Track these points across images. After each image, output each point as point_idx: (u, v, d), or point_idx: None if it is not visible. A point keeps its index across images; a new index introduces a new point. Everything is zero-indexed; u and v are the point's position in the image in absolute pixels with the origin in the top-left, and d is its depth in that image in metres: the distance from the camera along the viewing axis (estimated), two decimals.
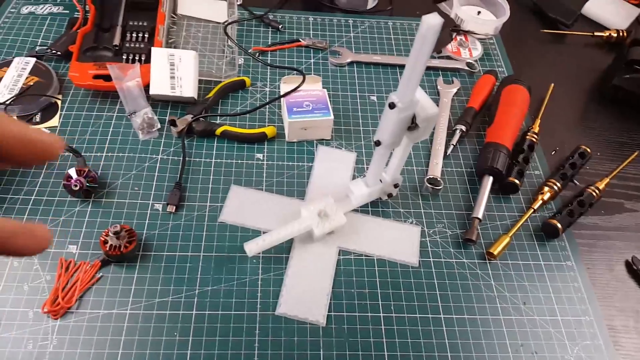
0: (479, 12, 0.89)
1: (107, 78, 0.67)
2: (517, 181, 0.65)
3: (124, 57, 0.71)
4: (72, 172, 0.57)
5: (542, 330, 0.56)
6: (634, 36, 0.84)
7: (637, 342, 0.57)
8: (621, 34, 0.90)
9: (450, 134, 0.72)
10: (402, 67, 0.80)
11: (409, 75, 0.44)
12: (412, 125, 0.50)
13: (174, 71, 0.68)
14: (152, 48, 0.68)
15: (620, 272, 0.63)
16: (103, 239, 0.53)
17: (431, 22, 0.39)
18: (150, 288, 0.54)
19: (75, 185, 0.57)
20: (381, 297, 0.56)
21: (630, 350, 0.56)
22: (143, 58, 0.71)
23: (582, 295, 0.59)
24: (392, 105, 0.47)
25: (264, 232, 0.58)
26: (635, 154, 0.74)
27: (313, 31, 0.85)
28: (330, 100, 0.74)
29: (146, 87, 0.68)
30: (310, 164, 0.67)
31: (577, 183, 0.69)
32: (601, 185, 0.67)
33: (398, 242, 0.61)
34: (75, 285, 0.52)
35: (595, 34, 0.90)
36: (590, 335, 0.56)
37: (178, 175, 0.62)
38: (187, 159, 0.64)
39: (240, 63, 0.77)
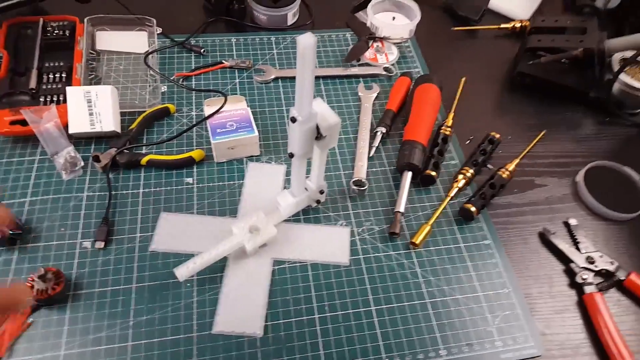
0: (393, 18, 0.91)
1: (25, 122, 0.66)
2: (433, 173, 0.67)
3: (42, 99, 0.70)
4: None
5: (465, 308, 0.58)
6: (532, 25, 0.88)
7: (551, 305, 0.61)
8: (524, 24, 0.94)
9: (372, 137, 0.74)
10: (324, 78, 0.82)
11: (301, 91, 0.45)
12: (318, 135, 0.52)
13: (92, 107, 0.67)
14: (67, 88, 0.68)
15: (534, 243, 0.66)
16: (29, 285, 0.52)
17: (306, 42, 0.40)
18: (84, 326, 0.53)
19: None
20: (316, 299, 0.58)
21: (545, 314, 0.60)
22: (62, 98, 0.70)
23: (500, 270, 0.62)
24: (293, 120, 0.48)
25: (196, 255, 0.58)
26: (542, 133, 0.78)
27: (236, 52, 0.85)
28: (257, 117, 0.75)
29: (66, 127, 0.67)
30: (242, 182, 0.68)
31: (491, 167, 0.72)
32: (511, 167, 0.70)
33: (329, 244, 0.62)
34: (4, 335, 0.50)
35: (502, 26, 0.94)
36: (509, 306, 0.59)
37: (105, 211, 0.61)
38: (113, 192, 0.64)
39: (163, 91, 0.77)
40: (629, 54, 0.80)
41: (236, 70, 0.82)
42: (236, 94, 0.78)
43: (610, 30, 0.85)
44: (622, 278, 0.62)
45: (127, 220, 0.62)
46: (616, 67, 0.79)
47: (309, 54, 0.41)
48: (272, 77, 0.81)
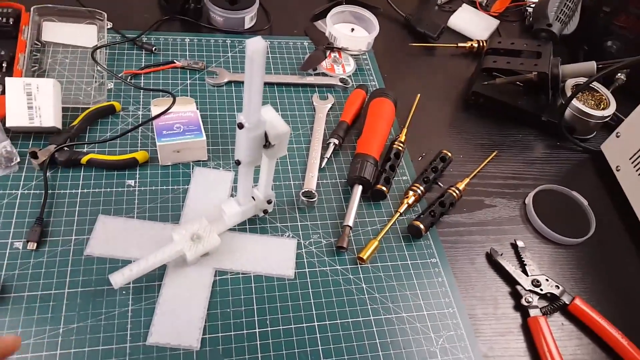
0: (352, 30, 0.95)
1: None
2: (384, 188, 0.70)
3: None
4: None
5: (409, 326, 0.61)
6: (489, 45, 0.93)
7: (495, 327, 0.64)
8: (482, 44, 1.00)
9: (324, 148, 0.76)
10: (279, 85, 0.84)
11: (249, 96, 0.47)
12: (267, 143, 0.53)
13: (32, 101, 0.67)
14: (6, 78, 0.67)
15: (481, 264, 0.70)
16: None
17: (256, 46, 0.42)
18: (10, 332, 0.52)
19: None
20: (257, 312, 0.59)
21: (489, 335, 0.63)
22: (0, 89, 0.69)
23: (446, 289, 0.65)
24: (240, 126, 0.50)
25: (133, 262, 0.58)
26: (493, 154, 0.82)
27: (189, 52, 0.86)
28: (207, 121, 0.76)
29: (3, 120, 0.66)
30: (187, 187, 0.68)
31: (442, 185, 0.76)
32: (461, 186, 0.74)
33: (274, 256, 0.64)
34: None
35: (459, 45, 1.00)
36: (454, 326, 0.62)
37: (40, 210, 0.61)
38: (50, 191, 0.63)
39: (109, 88, 0.77)
40: (582, 80, 0.87)
41: (188, 71, 0.83)
42: (187, 95, 0.79)
43: (565, 56, 0.91)
44: (567, 302, 0.66)
45: (63, 221, 0.61)
46: (569, 93, 0.85)
47: (257, 58, 0.43)
48: (225, 80, 0.83)
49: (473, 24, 1.04)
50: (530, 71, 0.87)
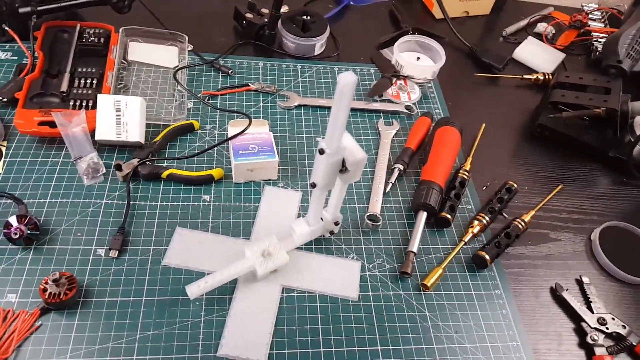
0: (418, 58, 0.94)
1: (53, 124, 0.68)
2: (449, 216, 0.69)
3: (71, 103, 0.73)
4: (13, 219, 0.58)
5: (472, 357, 0.59)
6: (556, 79, 0.91)
7: None
8: (547, 76, 0.97)
9: (389, 173, 0.75)
10: None
11: (333, 125, 0.47)
12: (343, 168, 0.53)
13: (120, 117, 0.69)
14: (98, 95, 0.70)
15: (545, 298, 0.67)
16: (42, 287, 0.53)
17: (347, 79, 0.42)
18: (91, 335, 0.54)
19: (15, 234, 0.57)
20: (322, 332, 0.58)
21: None
22: (90, 104, 0.73)
23: (510, 322, 0.63)
24: (321, 152, 0.50)
25: (207, 274, 0.59)
26: (559, 187, 0.79)
27: (262, 76, 0.88)
28: (277, 142, 0.77)
29: (92, 132, 0.69)
30: (257, 204, 0.69)
31: (506, 216, 0.74)
32: (527, 218, 0.72)
33: (339, 277, 0.63)
34: (12, 336, 0.51)
35: (524, 76, 0.98)
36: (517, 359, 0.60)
37: (122, 220, 0.63)
38: (132, 202, 0.65)
39: (189, 107, 0.80)
40: None
41: (261, 94, 0.85)
42: (259, 117, 0.81)
43: (634, 93, 0.87)
44: (634, 343, 0.62)
45: (143, 231, 0.63)
46: (638, 130, 0.82)
47: (347, 91, 0.43)
48: (296, 104, 0.84)
49: (538, 57, 1.02)
50: (599, 106, 0.83)
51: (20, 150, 0.69)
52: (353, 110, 0.85)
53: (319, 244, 0.67)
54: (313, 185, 0.56)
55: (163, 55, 0.86)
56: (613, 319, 0.64)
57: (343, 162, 0.53)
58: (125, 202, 0.65)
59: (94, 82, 0.76)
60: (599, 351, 0.61)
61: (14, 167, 0.67)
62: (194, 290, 0.56)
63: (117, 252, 0.60)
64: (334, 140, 0.49)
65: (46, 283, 0.53)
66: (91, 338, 0.54)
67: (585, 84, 0.88)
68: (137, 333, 0.55)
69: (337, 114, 0.46)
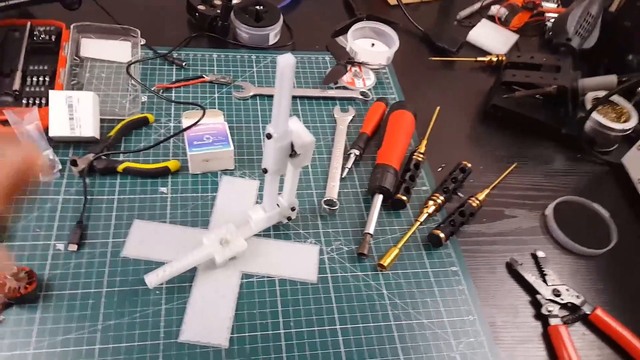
0: (372, 45, 0.99)
1: (6, 122, 0.70)
2: (404, 197, 0.74)
3: (25, 101, 0.75)
4: None
5: (429, 332, 0.64)
6: (508, 59, 0.97)
7: (515, 335, 0.66)
8: (501, 58, 1.03)
9: (345, 158, 0.80)
10: (301, 98, 0.89)
11: (278, 108, 0.51)
12: (292, 152, 0.58)
13: (73, 112, 0.72)
14: (50, 91, 0.73)
15: (501, 273, 0.72)
16: (1, 282, 0.56)
17: (286, 61, 0.46)
18: (53, 327, 0.57)
19: None
20: (282, 315, 0.63)
21: (509, 343, 0.65)
22: (44, 101, 0.75)
23: (466, 297, 0.68)
24: (269, 136, 0.54)
25: (166, 264, 0.62)
26: (513, 165, 0.85)
27: (217, 67, 0.92)
28: (233, 132, 0.81)
29: (47, 130, 0.72)
30: (215, 194, 0.73)
31: (462, 195, 0.79)
32: (481, 196, 0.77)
33: (298, 261, 0.68)
34: None
35: (478, 59, 1.03)
36: (474, 333, 0.65)
37: (80, 214, 0.66)
38: (89, 197, 0.69)
39: (144, 101, 0.83)
40: (602, 93, 0.89)
41: (216, 85, 0.88)
42: (215, 108, 0.84)
43: (584, 70, 0.94)
44: (588, 312, 0.68)
45: (101, 225, 0.67)
46: (588, 106, 0.88)
47: (287, 73, 0.48)
48: (251, 94, 0.88)
49: (492, 39, 1.08)
50: (550, 84, 0.89)
51: None
52: (309, 98, 0.89)
53: (277, 230, 0.71)
54: (265, 171, 0.60)
55: (116, 50, 0.89)
56: (567, 290, 0.69)
57: (292, 146, 0.57)
58: (83, 197, 0.68)
59: (47, 79, 0.79)
60: (553, 321, 0.66)
61: None
62: (153, 279, 0.60)
63: (76, 246, 0.63)
64: (281, 124, 0.53)
65: (5, 278, 0.56)
66: (54, 330, 0.57)
67: (537, 62, 0.93)
68: (99, 323, 0.58)
69: (280, 97, 0.50)
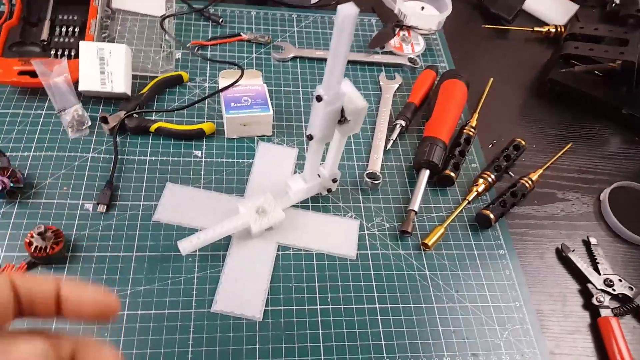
0: (422, 8, 0.94)
1: (34, 74, 0.68)
2: (452, 174, 0.70)
3: (53, 52, 0.72)
4: None
5: (473, 317, 0.61)
6: (569, 31, 0.91)
7: (563, 325, 0.63)
8: (559, 29, 0.97)
9: (390, 129, 0.76)
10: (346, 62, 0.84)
11: (332, 67, 0.47)
12: (342, 118, 0.54)
13: (104, 66, 0.69)
14: (80, 42, 0.70)
15: (551, 259, 0.69)
16: (28, 241, 0.55)
17: (347, 11, 0.42)
18: None
19: None
20: (319, 290, 0.60)
21: (556, 332, 0.62)
22: (73, 53, 0.73)
23: (513, 282, 0.65)
24: (319, 98, 0.51)
25: (200, 230, 0.60)
26: (568, 145, 0.80)
27: (256, 25, 0.88)
28: (272, 96, 0.77)
29: (76, 83, 0.69)
30: (251, 161, 0.70)
31: (513, 175, 0.75)
32: (534, 177, 0.73)
33: (337, 236, 0.65)
34: None
35: (535, 29, 0.97)
36: (520, 320, 0.62)
37: (109, 174, 0.64)
38: (119, 157, 0.66)
39: (178, 57, 0.80)
40: None
41: (254, 45, 0.85)
42: (252, 69, 0.81)
43: None
44: None
45: (132, 186, 0.64)
46: None
47: (348, 25, 0.43)
48: (291, 55, 0.83)
49: (550, 8, 1.01)
50: (614, 60, 0.83)
51: (0, 102, 0.69)
52: (353, 62, 0.85)
53: (316, 202, 0.68)
54: (310, 137, 0.56)
55: (149, 2, 0.85)
56: (620, 280, 0.66)
57: (342, 111, 0.53)
58: (113, 156, 0.66)
59: (76, 30, 0.76)
60: (604, 312, 0.63)
61: None
62: (186, 246, 0.57)
63: (105, 206, 0.61)
64: (333, 86, 0.49)
65: (32, 236, 0.54)
66: None
67: (601, 35, 0.87)
68: (128, 288, 0.56)
69: (336, 55, 0.46)
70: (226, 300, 0.57)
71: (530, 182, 0.72)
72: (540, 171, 0.74)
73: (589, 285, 0.66)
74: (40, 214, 0.60)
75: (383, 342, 0.57)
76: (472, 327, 0.60)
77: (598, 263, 0.68)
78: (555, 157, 0.78)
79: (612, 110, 0.85)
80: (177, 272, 0.58)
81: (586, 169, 0.80)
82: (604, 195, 0.75)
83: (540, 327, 0.62)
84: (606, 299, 0.65)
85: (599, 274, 0.67)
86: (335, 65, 0.47)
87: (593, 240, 0.70)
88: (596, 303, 0.64)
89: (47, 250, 0.55)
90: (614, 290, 0.65)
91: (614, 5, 1.03)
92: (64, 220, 0.60)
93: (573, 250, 0.69)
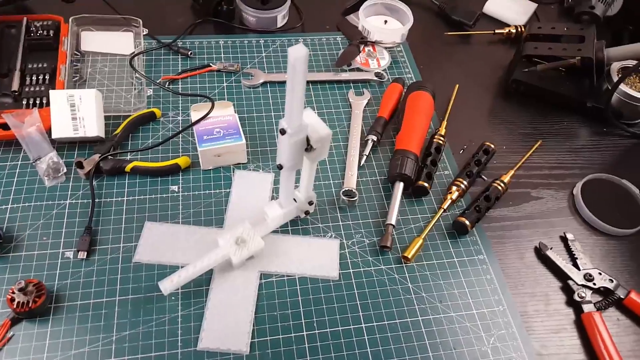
0: (385, 22, 0.92)
1: (6, 126, 0.66)
2: (426, 184, 0.68)
3: (24, 102, 0.70)
4: None
5: (459, 326, 0.59)
6: (528, 31, 0.89)
7: (548, 324, 0.61)
8: (520, 29, 0.96)
9: (363, 145, 0.74)
10: (313, 82, 0.83)
11: (291, 102, 0.46)
12: (308, 147, 0.52)
13: (76, 112, 0.67)
14: (50, 91, 0.68)
15: (530, 259, 0.67)
16: (10, 297, 0.52)
17: (298, 54, 0.41)
18: (65, 341, 0.53)
19: None
20: (304, 315, 0.58)
21: (542, 333, 0.60)
22: (45, 101, 0.70)
23: (495, 286, 0.63)
24: (282, 132, 0.49)
25: (181, 267, 0.58)
26: (538, 143, 0.79)
27: (224, 54, 0.86)
28: (244, 123, 0.75)
29: (49, 131, 0.67)
30: (228, 190, 0.68)
31: (485, 178, 0.74)
32: (506, 179, 0.71)
33: (318, 257, 0.63)
34: None
35: (496, 31, 0.96)
36: (505, 324, 0.60)
37: (88, 219, 0.62)
38: (97, 200, 0.64)
39: (149, 94, 0.77)
40: (628, 63, 0.82)
41: (224, 74, 0.83)
42: (224, 98, 0.79)
43: (608, 39, 0.86)
44: (622, 296, 0.63)
45: (111, 229, 0.62)
46: (615, 77, 0.81)
47: (300, 65, 0.42)
48: (261, 81, 0.82)
49: (510, 9, 1.00)
50: (574, 56, 0.82)
51: None
52: (321, 82, 0.83)
53: (295, 225, 0.66)
54: (280, 167, 0.54)
55: (118, 42, 0.83)
56: (600, 273, 0.64)
57: (307, 140, 0.52)
58: (90, 201, 0.63)
59: (47, 77, 0.74)
60: (587, 308, 0.62)
61: None
62: (167, 285, 0.55)
63: (85, 253, 0.59)
64: (294, 119, 0.48)
65: (13, 292, 0.52)
66: (66, 344, 0.53)
67: (559, 33, 0.86)
68: (113, 334, 0.54)
69: (292, 91, 0.44)
70: (212, 337, 0.55)
71: (502, 185, 0.70)
72: (512, 172, 0.73)
73: (570, 282, 0.64)
74: (21, 267, 0.58)
75: None
76: (459, 337, 0.58)
77: (577, 258, 0.66)
78: (526, 157, 0.77)
79: (576, 104, 0.84)
80: (161, 313, 0.56)
81: (557, 164, 0.78)
82: (577, 190, 0.74)
83: (526, 329, 0.60)
84: (588, 294, 0.63)
85: (579, 269, 0.65)
86: (294, 100, 0.45)
87: (570, 236, 0.69)
88: (578, 299, 0.63)
89: (30, 305, 0.52)
90: (594, 284, 0.64)
91: (570, 1, 1.02)
92: (46, 271, 0.58)
93: (551, 248, 0.67)
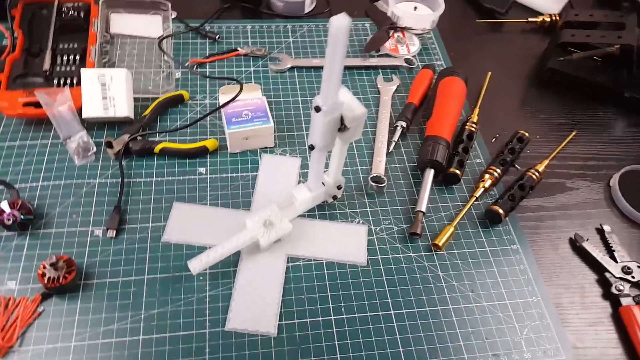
0: (415, 8, 0.91)
1: (38, 105, 0.66)
2: (457, 171, 0.67)
3: (55, 81, 0.71)
4: (5, 205, 0.57)
5: (491, 316, 0.58)
6: (564, 19, 0.87)
7: (583, 317, 0.59)
8: (554, 18, 0.93)
9: (392, 131, 0.73)
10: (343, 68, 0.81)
11: (328, 78, 0.45)
12: (342, 126, 0.51)
13: (106, 91, 0.67)
14: (82, 69, 0.68)
15: (565, 250, 0.65)
16: (41, 272, 0.53)
17: (340, 23, 0.40)
18: (94, 317, 0.53)
19: (9, 219, 0.56)
20: (331, 300, 0.57)
21: (577, 325, 0.59)
22: (75, 81, 0.71)
23: (529, 277, 0.61)
24: (317, 109, 0.48)
25: (209, 248, 0.58)
26: (573, 133, 0.77)
27: (252, 39, 0.85)
28: (272, 108, 0.75)
29: (79, 110, 0.67)
30: (255, 174, 0.68)
31: (519, 167, 0.72)
32: (541, 168, 0.69)
33: (345, 243, 0.62)
34: (15, 323, 0.51)
35: (529, 19, 0.94)
36: (539, 316, 0.58)
37: (117, 199, 0.62)
38: (126, 180, 0.64)
39: (177, 77, 0.77)
40: None
41: (251, 58, 0.82)
42: (251, 82, 0.78)
43: None
44: None
45: (140, 209, 0.62)
46: None
47: (341, 36, 0.41)
48: (288, 66, 0.81)
49: None
50: (612, 44, 0.80)
51: (7, 135, 0.68)
52: (349, 68, 0.82)
53: (322, 210, 0.65)
54: (311, 147, 0.54)
55: (146, 25, 0.83)
56: (639, 267, 0.62)
57: (342, 119, 0.51)
58: (119, 180, 0.64)
59: (77, 58, 0.74)
60: (625, 301, 0.60)
61: (3, 152, 0.66)
62: (196, 265, 0.55)
63: (114, 231, 0.59)
64: (330, 96, 0.47)
65: (44, 268, 0.53)
66: (95, 320, 0.53)
67: (596, 20, 0.84)
68: (141, 312, 0.54)
69: (331, 65, 0.43)
70: (239, 317, 0.54)
71: (537, 174, 0.68)
72: (546, 162, 0.71)
73: (607, 275, 0.62)
74: (51, 244, 0.58)
75: (401, 350, 0.54)
76: (491, 327, 0.57)
77: (614, 251, 0.64)
78: (561, 147, 0.75)
79: (614, 94, 0.81)
80: (189, 292, 0.56)
81: (593, 155, 0.76)
82: (614, 181, 0.72)
83: (561, 321, 0.58)
84: (626, 287, 0.61)
85: (616, 261, 0.63)
86: (332, 75, 0.44)
87: (607, 228, 0.67)
88: (616, 292, 0.61)
89: (60, 280, 0.53)
90: (633, 277, 0.62)
91: None
92: (75, 249, 0.58)
93: (587, 240, 0.65)
